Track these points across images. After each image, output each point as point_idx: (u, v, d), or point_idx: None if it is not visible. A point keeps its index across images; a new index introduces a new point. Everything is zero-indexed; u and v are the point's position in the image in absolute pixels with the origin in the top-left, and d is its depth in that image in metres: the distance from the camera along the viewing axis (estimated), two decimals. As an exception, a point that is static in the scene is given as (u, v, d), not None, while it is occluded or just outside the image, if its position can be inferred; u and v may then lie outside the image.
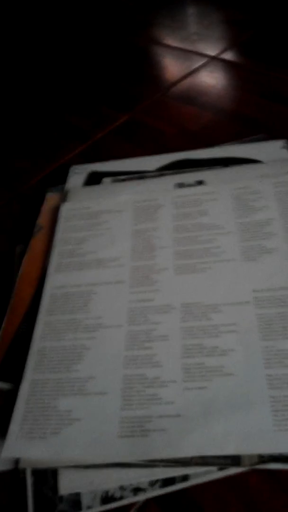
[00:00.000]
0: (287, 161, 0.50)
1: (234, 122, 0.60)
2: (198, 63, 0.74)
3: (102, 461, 0.32)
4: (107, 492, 0.31)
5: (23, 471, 0.33)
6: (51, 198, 0.53)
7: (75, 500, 0.31)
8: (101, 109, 0.69)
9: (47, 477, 0.32)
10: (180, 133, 0.61)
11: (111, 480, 0.31)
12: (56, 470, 0.32)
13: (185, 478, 0.31)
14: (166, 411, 0.33)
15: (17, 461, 0.33)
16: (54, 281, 0.44)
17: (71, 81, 0.77)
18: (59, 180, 0.56)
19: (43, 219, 0.51)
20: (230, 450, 0.31)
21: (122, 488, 0.31)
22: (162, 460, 0.31)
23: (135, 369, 0.36)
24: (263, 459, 0.30)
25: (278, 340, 0.35)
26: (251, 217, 0.45)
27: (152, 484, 0.31)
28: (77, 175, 0.55)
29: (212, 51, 0.76)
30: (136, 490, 0.31)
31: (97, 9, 0.99)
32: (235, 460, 0.30)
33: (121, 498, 0.31)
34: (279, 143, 0.52)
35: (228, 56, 0.74)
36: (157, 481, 0.31)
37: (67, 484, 0.32)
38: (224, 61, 0.73)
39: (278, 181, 0.47)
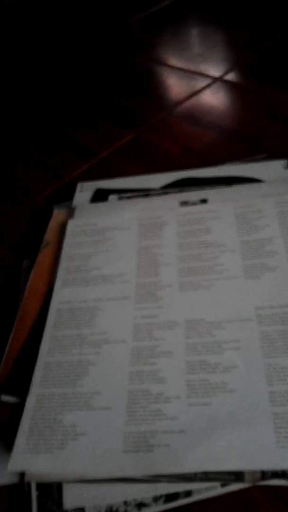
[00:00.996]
0: (289, 181, 0.51)
1: (237, 142, 0.62)
2: (202, 84, 0.76)
3: (107, 475, 0.32)
4: (111, 507, 0.32)
5: (28, 485, 0.33)
6: (58, 214, 0.54)
7: (80, 515, 0.32)
8: (106, 127, 0.71)
9: (51, 491, 0.33)
10: (184, 152, 0.62)
11: (116, 495, 0.32)
12: (60, 484, 0.33)
13: (188, 493, 0.32)
14: (170, 427, 0.34)
15: (22, 475, 0.33)
16: (60, 296, 0.45)
17: (78, 99, 0.79)
18: (66, 196, 0.57)
19: (50, 235, 0.52)
20: (233, 466, 0.31)
21: (126, 503, 0.32)
22: (166, 476, 0.32)
23: (139, 385, 0.36)
24: (266, 475, 0.31)
25: (280, 358, 0.36)
26: (254, 235, 0.46)
27: (156, 499, 0.32)
28: (83, 192, 0.56)
29: (216, 72, 0.78)
30: (140, 505, 0.32)
31: (102, 29, 1.01)
32: (238, 476, 0.31)
33: (125, 513, 0.31)
34: (281, 163, 0.54)
35: (232, 77, 0.76)
36: (160, 496, 0.32)
37: (71, 498, 0.32)
38: (227, 82, 0.75)
39: (280, 200, 0.48)
